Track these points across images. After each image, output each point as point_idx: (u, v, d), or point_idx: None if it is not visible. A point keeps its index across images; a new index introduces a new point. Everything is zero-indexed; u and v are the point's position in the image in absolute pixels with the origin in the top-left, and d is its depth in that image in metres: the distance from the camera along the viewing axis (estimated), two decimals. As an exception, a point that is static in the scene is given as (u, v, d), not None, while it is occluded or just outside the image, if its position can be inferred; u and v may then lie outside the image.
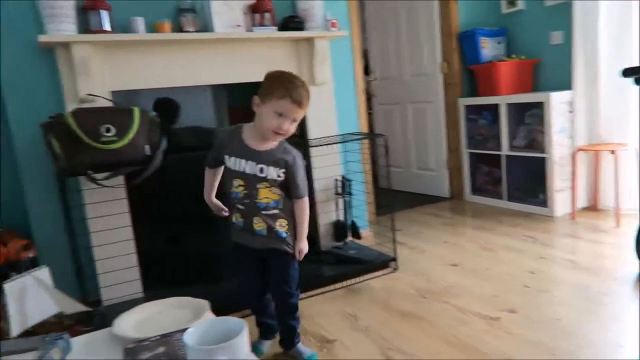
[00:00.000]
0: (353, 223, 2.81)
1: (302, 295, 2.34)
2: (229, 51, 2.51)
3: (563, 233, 3.03)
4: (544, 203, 3.41)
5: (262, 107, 1.59)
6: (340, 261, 2.63)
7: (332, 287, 2.43)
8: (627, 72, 2.31)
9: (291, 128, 1.61)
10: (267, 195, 1.66)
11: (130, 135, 1.97)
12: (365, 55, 4.71)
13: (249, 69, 2.55)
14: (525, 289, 2.27)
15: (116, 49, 2.25)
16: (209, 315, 1.18)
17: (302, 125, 2.78)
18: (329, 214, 2.82)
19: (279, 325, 1.84)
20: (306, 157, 2.78)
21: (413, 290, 2.35)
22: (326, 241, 2.83)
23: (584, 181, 3.42)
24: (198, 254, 2.48)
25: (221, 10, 2.40)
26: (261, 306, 1.85)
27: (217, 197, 1.82)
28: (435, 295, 2.28)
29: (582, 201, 3.43)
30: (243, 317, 2.15)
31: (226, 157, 1.67)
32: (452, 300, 2.20)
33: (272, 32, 2.53)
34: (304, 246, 1.75)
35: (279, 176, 1.66)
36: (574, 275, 2.38)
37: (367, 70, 4.67)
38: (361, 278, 2.52)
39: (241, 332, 0.99)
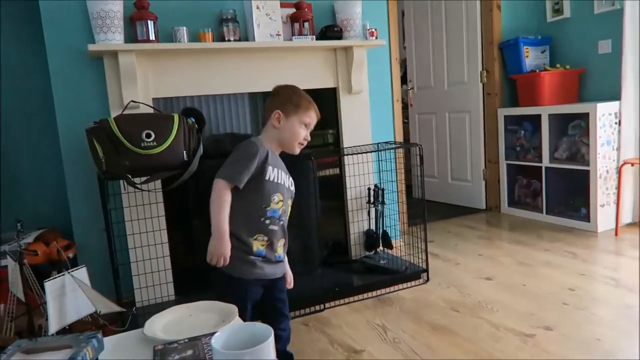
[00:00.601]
0: (385, 232, 2.79)
1: (331, 304, 2.35)
2: (268, 60, 2.56)
3: (605, 249, 2.91)
4: (586, 217, 3.29)
5: (287, 120, 1.60)
6: (371, 270, 2.61)
7: (361, 296, 2.43)
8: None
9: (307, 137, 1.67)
10: (288, 212, 1.65)
11: (169, 141, 2.03)
12: (404, 64, 4.69)
13: (288, 77, 2.59)
14: (564, 306, 2.19)
15: (160, 58, 2.33)
16: (237, 320, 1.20)
17: (337, 134, 2.79)
18: (360, 223, 2.81)
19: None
20: (340, 165, 2.80)
21: (444, 303, 2.31)
22: (357, 250, 2.82)
23: (630, 196, 3.28)
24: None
25: (262, 20, 2.45)
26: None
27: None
28: (468, 309, 2.24)
29: (626, 217, 3.28)
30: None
31: (270, 168, 1.55)
32: (485, 315, 2.15)
33: (310, 41, 2.56)
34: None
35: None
36: (616, 294, 2.28)
37: (404, 80, 4.65)
38: (391, 288, 2.50)
39: (268, 338, 1.00)
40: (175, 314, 1.25)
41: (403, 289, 2.52)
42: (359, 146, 2.71)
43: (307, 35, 2.58)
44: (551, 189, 3.53)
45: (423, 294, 2.45)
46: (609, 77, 3.34)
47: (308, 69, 2.65)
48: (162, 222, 2.34)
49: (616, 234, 3.13)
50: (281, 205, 1.57)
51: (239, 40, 2.47)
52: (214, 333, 0.99)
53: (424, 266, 2.61)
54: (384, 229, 2.80)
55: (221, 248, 1.47)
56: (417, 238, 2.66)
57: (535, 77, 3.51)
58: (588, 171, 3.22)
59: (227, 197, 1.49)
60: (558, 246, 3.01)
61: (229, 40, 2.44)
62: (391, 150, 2.84)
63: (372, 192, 2.77)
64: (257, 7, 2.43)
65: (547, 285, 2.42)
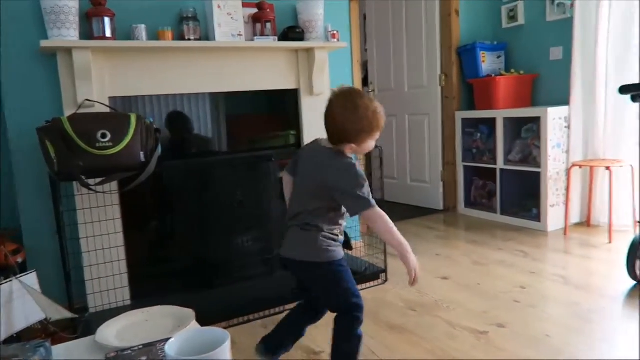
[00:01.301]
0: (345, 234, 2.80)
1: (289, 306, 2.35)
2: (229, 60, 2.54)
3: (555, 248, 3.04)
4: (537, 218, 3.42)
5: (369, 138, 1.52)
6: (332, 272, 2.63)
7: (322, 297, 2.44)
8: (623, 90, 2.34)
9: None
10: None
11: (126, 141, 1.99)
12: (365, 66, 4.75)
13: (249, 77, 2.59)
14: (516, 304, 2.27)
15: (117, 56, 2.27)
16: (193, 325, 1.19)
17: (298, 135, 2.80)
18: (322, 224, 2.82)
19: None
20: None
21: (402, 303, 2.35)
22: (319, 251, 2.84)
23: (577, 197, 3.43)
24: (188, 262, 2.50)
25: (223, 20, 2.43)
26: None
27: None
28: (425, 308, 2.29)
29: (575, 217, 3.44)
30: (229, 327, 2.17)
31: None
32: (442, 314, 2.21)
33: (272, 42, 2.56)
34: None
35: None
36: (564, 292, 2.38)
37: (366, 82, 4.70)
38: (352, 289, 2.52)
39: (224, 343, 1.00)
40: (130, 319, 1.23)
41: (362, 289, 2.54)
42: (320, 148, 2.72)
43: (269, 35, 2.57)
44: (505, 190, 3.66)
45: (382, 294, 2.49)
46: (560, 82, 3.49)
47: (270, 69, 2.65)
48: (117, 225, 2.28)
49: (565, 233, 3.27)
50: None
51: (200, 39, 2.44)
52: (169, 339, 0.98)
53: (383, 266, 2.65)
54: (344, 230, 2.81)
55: (415, 260, 1.49)
56: (376, 239, 2.70)
57: (491, 82, 3.63)
58: (539, 173, 3.35)
59: (386, 215, 1.51)
60: (511, 245, 3.12)
61: (189, 39, 2.40)
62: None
63: (332, 194, 2.78)
64: (219, 7, 2.41)
65: (500, 284, 2.51)
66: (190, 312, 1.22)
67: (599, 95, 3.25)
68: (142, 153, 2.04)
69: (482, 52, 3.76)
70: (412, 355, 1.88)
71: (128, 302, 2.32)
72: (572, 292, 2.37)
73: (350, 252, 2.82)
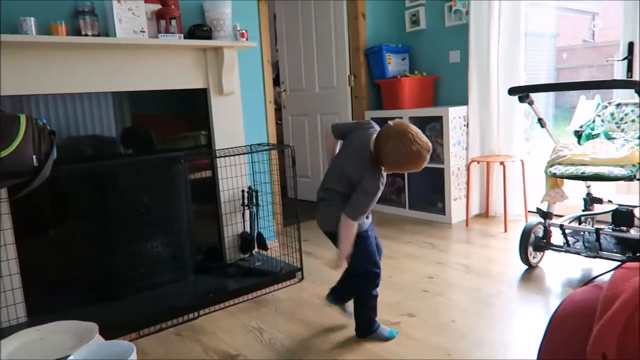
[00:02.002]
0: (259, 234, 2.80)
1: (205, 311, 2.30)
2: (132, 58, 2.41)
3: (458, 239, 3.24)
4: (442, 211, 3.63)
5: (398, 170, 1.89)
6: (246, 273, 2.61)
7: (236, 300, 2.40)
8: (512, 91, 2.54)
9: None
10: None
11: (15, 144, 1.81)
12: (276, 66, 4.75)
13: (155, 76, 2.48)
14: (424, 293, 2.40)
15: (2, 51, 2.06)
16: (97, 340, 1.11)
17: (208, 136, 2.73)
18: (235, 226, 2.79)
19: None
20: (212, 167, 2.74)
21: (319, 300, 2.38)
22: (232, 253, 2.79)
23: (477, 190, 3.70)
24: (91, 272, 2.34)
25: (124, 15, 2.30)
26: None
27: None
28: (340, 303, 2.33)
29: (475, 209, 3.70)
30: (140, 337, 2.07)
31: None
32: (356, 308, 2.26)
33: (177, 40, 2.47)
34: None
35: None
36: (467, 279, 2.55)
37: (277, 82, 4.70)
38: (267, 290, 2.51)
39: (129, 356, 0.95)
40: (23, 338, 1.13)
41: (279, 289, 2.55)
42: (231, 148, 2.68)
43: (174, 33, 2.48)
44: (413, 186, 3.84)
45: (298, 292, 2.51)
46: (459, 84, 3.73)
47: (176, 68, 2.56)
48: (8, 236, 2.08)
49: (467, 225, 3.51)
50: None
51: (99, 35, 2.29)
52: (67, 356, 0.91)
53: (299, 265, 2.67)
54: (259, 230, 2.80)
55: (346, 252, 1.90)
56: (291, 238, 2.71)
57: (397, 83, 3.79)
58: (443, 169, 3.56)
59: (354, 229, 1.86)
60: (419, 238, 3.28)
61: (85, 35, 2.25)
62: (264, 152, 2.85)
63: (246, 194, 2.76)
64: (119, 1, 2.28)
65: (410, 276, 2.63)
66: (93, 326, 1.14)
67: (493, 96, 3.52)
68: (34, 157, 1.87)
69: (388, 54, 3.91)
70: (328, 351, 1.91)
71: (24, 319, 2.12)
72: (474, 279, 2.55)
73: (265, 252, 2.82)
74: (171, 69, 2.54)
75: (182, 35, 2.51)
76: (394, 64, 3.97)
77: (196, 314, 2.26)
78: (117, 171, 2.44)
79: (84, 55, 2.27)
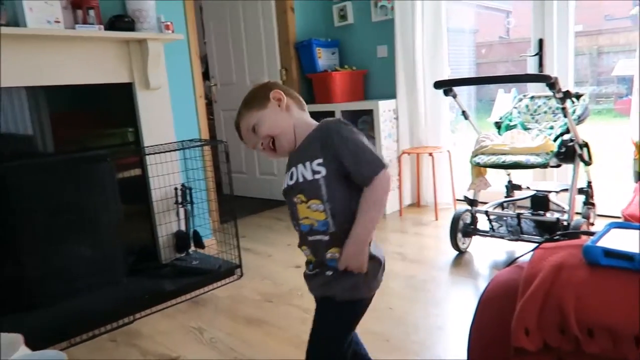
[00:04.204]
0: (195, 232, 2.73)
1: (141, 314, 2.20)
2: (47, 50, 2.24)
3: (393, 229, 3.34)
4: (376, 202, 3.71)
5: None
6: (183, 273, 2.52)
7: (174, 301, 2.33)
8: (437, 85, 2.64)
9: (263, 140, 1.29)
10: (306, 215, 1.21)
11: None
12: (205, 60, 4.62)
13: (73, 70, 2.33)
14: (362, 283, 2.44)
15: None
16: (22, 351, 1.03)
17: (136, 132, 2.62)
18: (169, 225, 2.69)
19: None
20: (142, 165, 2.63)
21: (259, 296, 2.36)
22: (167, 253, 2.70)
23: (408, 181, 3.82)
24: (10, 278, 2.16)
25: (35, 4, 2.14)
26: None
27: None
28: (280, 298, 2.33)
29: (407, 199, 3.82)
30: (71, 346, 1.95)
31: None
32: (296, 302, 2.27)
33: (97, 31, 2.33)
34: (351, 254, 1.14)
35: (314, 174, 1.16)
36: (403, 267, 2.63)
37: (207, 75, 4.59)
38: (205, 289, 2.45)
39: (62, 366, 0.89)
40: None
41: (218, 287, 2.50)
42: (161, 145, 2.59)
43: (93, 24, 2.34)
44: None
45: (238, 289, 2.47)
46: (387, 77, 3.82)
47: (97, 61, 2.42)
48: None
49: (400, 215, 3.62)
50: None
51: (7, 25, 2.11)
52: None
53: (237, 262, 2.63)
54: (195, 228, 2.73)
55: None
56: (229, 235, 2.66)
57: (328, 77, 3.82)
58: (375, 161, 3.63)
59: None
60: (355, 229, 3.33)
61: (-8, 25, 2.07)
62: (197, 148, 2.77)
63: (179, 192, 2.67)
64: (30, -12, 2.11)
65: (348, 266, 2.67)
66: (17, 337, 1.06)
67: (419, 89, 3.64)
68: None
69: (318, 48, 3.93)
70: (269, 346, 1.90)
71: None
72: (409, 266, 2.63)
73: (202, 251, 2.75)
74: (91, 63, 2.40)
75: (102, 26, 2.37)
76: (324, 58, 3.99)
77: (131, 317, 2.16)
78: (31, 171, 2.24)
79: (-7, 47, 2.09)
